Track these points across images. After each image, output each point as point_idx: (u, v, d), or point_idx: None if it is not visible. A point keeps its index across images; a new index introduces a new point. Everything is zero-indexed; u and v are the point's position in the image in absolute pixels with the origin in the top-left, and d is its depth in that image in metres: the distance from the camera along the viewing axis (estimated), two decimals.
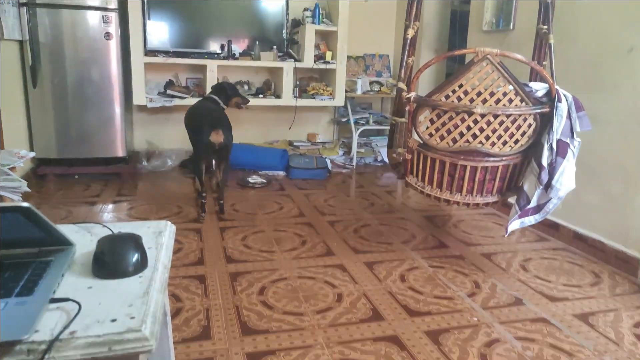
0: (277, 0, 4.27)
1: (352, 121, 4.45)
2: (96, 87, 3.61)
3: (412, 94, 2.08)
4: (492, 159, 2.09)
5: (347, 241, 2.65)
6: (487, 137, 2.03)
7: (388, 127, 4.62)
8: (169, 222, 0.96)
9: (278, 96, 4.31)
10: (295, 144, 4.62)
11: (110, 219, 2.91)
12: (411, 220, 3.06)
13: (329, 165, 4.22)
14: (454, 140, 2.08)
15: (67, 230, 0.96)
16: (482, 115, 1.98)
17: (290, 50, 4.31)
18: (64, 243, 0.82)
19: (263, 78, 4.55)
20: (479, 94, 1.98)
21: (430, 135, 2.12)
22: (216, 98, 3.18)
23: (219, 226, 2.83)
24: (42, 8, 3.37)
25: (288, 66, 4.19)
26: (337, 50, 4.31)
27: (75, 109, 3.60)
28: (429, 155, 2.17)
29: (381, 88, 4.68)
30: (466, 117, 2.00)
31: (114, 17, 3.53)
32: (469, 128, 2.03)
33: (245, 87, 4.40)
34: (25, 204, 0.65)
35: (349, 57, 4.61)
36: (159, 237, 0.94)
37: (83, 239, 0.93)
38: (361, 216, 3.09)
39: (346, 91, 4.46)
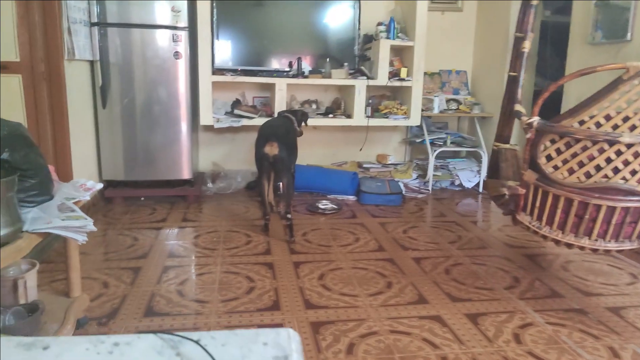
0: (348, 15, 4.04)
1: (428, 142, 4.11)
2: (164, 106, 3.49)
3: (535, 119, 1.74)
4: (636, 197, 1.70)
5: (439, 284, 2.31)
6: (634, 172, 1.64)
7: (466, 149, 4.27)
8: (291, 330, 0.66)
9: (349, 116, 4.04)
10: (364, 165, 4.32)
11: (177, 249, 2.72)
12: (509, 258, 2.67)
13: (403, 190, 3.90)
14: (587, 175, 1.71)
15: (146, 345, 0.66)
16: (629, 145, 1.60)
17: (362, 68, 4.04)
18: None
19: (332, 97, 4.31)
20: (625, 119, 1.61)
21: (555, 167, 1.76)
22: (290, 116, 3.26)
23: (292, 260, 2.57)
24: (112, 28, 3.30)
25: (360, 84, 3.92)
26: (413, 67, 4.00)
27: (143, 129, 3.48)
28: (551, 191, 1.81)
29: (459, 106, 4.32)
30: (606, 147, 1.63)
31: (183, 36, 3.41)
32: (609, 160, 1.65)
33: (314, 106, 4.17)
34: None
35: (423, 74, 4.29)
36: None
37: None
38: (449, 252, 2.74)
39: (422, 110, 4.13)
